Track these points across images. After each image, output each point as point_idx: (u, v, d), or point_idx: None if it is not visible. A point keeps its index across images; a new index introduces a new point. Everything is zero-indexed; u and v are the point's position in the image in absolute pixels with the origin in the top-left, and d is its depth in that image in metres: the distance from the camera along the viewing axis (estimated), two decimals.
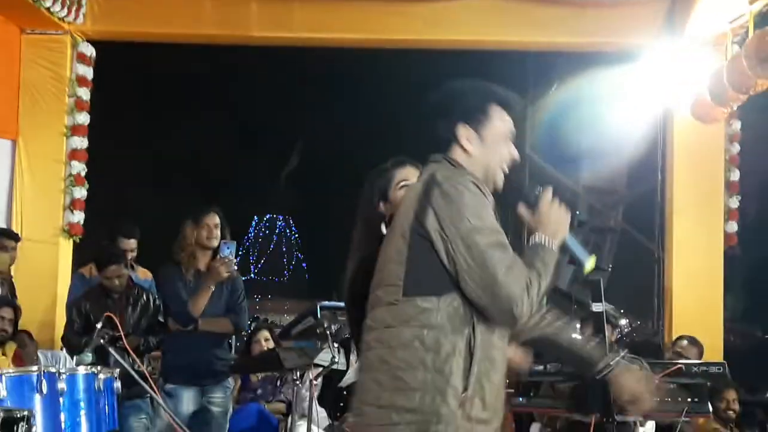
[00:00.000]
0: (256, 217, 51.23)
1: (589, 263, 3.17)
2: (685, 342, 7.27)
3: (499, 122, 3.20)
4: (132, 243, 7.19)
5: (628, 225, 11.31)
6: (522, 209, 3.16)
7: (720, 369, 5.36)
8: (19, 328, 6.72)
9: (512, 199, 3.21)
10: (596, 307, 5.11)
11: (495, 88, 3.25)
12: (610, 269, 12.89)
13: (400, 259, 2.99)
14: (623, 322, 23.16)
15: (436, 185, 2.98)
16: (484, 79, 3.30)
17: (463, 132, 3.16)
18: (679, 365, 5.35)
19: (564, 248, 3.10)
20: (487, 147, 3.18)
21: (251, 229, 52.70)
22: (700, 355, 7.11)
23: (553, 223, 3.10)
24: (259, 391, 7.33)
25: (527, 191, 3.20)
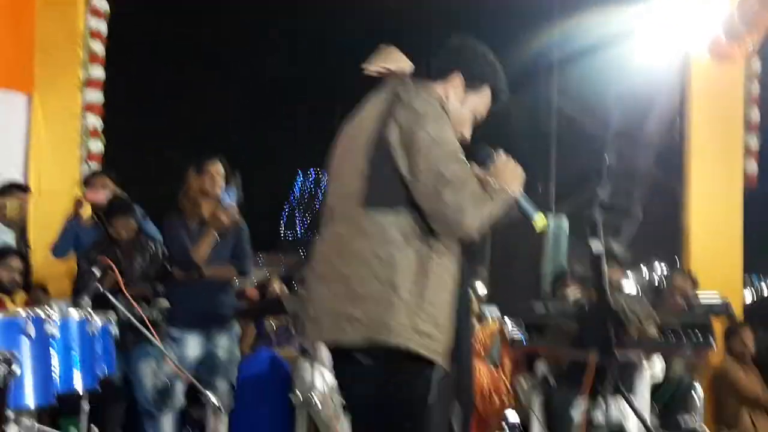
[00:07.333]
0: (300, 173, 51.25)
1: (539, 220, 3.21)
2: (678, 277, 7.21)
3: (480, 100, 3.30)
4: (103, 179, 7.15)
5: (657, 169, 11.15)
6: (474, 167, 3.19)
7: (722, 303, 5.29)
8: (32, 278, 6.80)
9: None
10: (594, 245, 5.01)
11: (502, 76, 3.34)
12: (641, 216, 12.78)
13: (357, 173, 3.04)
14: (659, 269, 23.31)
15: (400, 101, 3.06)
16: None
17: (457, 81, 3.26)
18: (681, 303, 5.31)
19: (516, 204, 3.17)
20: (458, 111, 3.25)
21: (296, 186, 52.76)
22: (696, 286, 7.03)
23: (508, 178, 3.15)
24: (274, 339, 7.37)
25: (477, 150, 3.27)
